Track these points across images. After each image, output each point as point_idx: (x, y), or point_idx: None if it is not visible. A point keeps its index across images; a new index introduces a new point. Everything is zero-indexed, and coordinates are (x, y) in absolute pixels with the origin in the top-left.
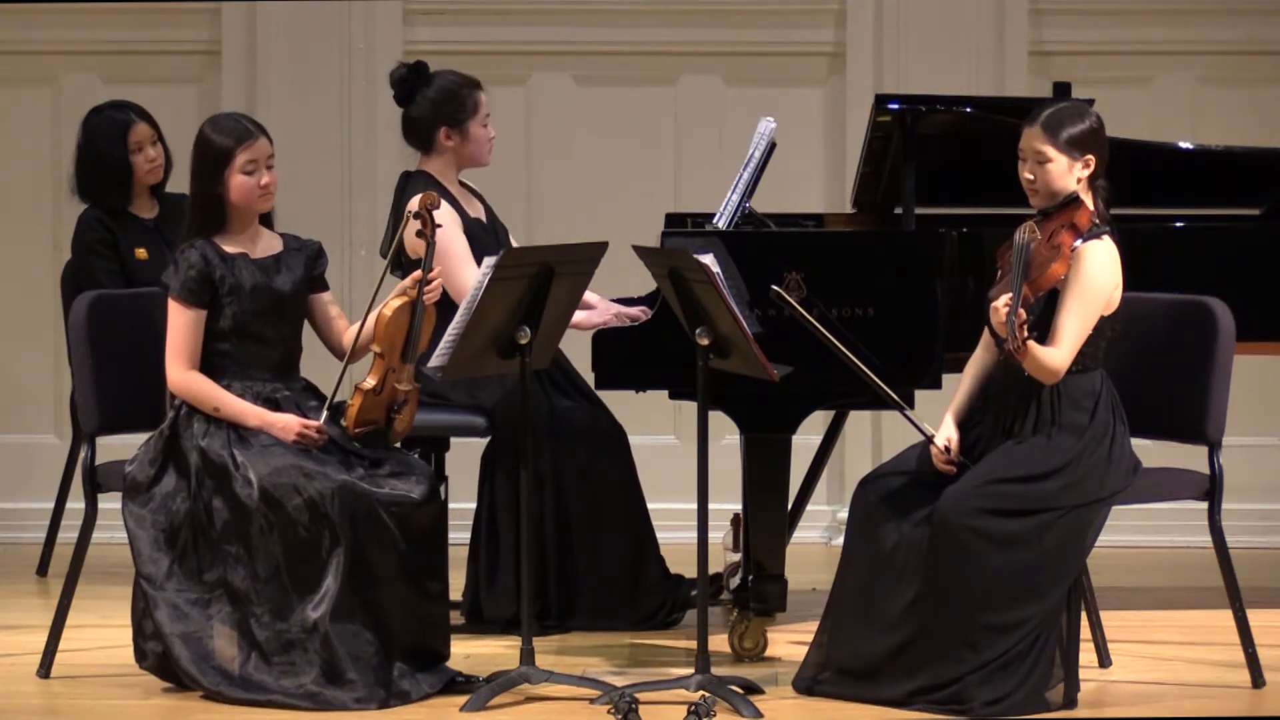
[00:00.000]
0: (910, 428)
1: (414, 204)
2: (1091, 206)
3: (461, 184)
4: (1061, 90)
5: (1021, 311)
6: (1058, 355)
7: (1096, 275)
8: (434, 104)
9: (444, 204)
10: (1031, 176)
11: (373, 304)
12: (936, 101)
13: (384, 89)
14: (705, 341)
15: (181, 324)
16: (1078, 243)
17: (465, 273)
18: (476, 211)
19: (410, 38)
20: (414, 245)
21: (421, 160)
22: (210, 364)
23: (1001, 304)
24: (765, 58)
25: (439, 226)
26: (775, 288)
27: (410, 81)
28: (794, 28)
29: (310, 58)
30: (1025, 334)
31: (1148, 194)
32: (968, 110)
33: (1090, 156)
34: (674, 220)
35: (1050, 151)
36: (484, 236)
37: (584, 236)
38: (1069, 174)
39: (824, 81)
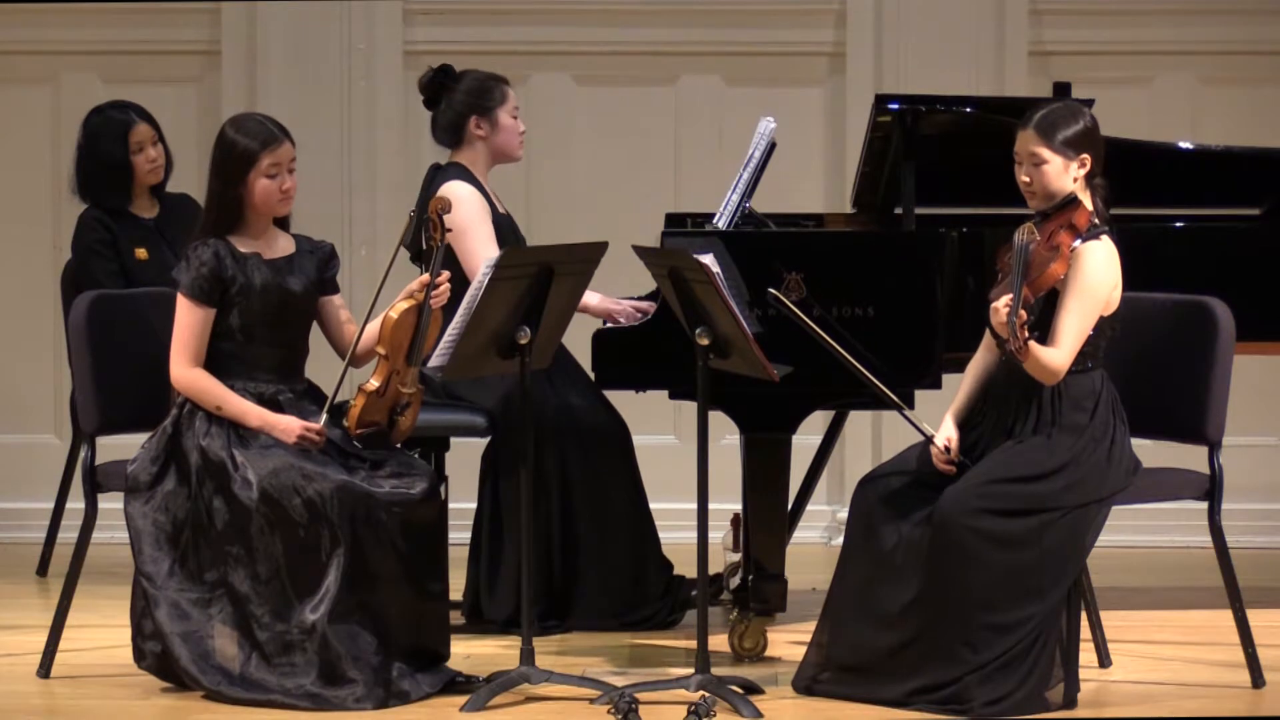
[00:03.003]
0: (910, 427)
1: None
2: (1090, 206)
3: None
4: (1061, 90)
5: (1022, 312)
6: (1058, 355)
7: (1096, 275)
8: (464, 95)
9: (471, 190)
10: (1028, 179)
11: (375, 303)
12: (936, 101)
13: (384, 89)
14: (705, 341)
15: (189, 321)
16: (1076, 243)
17: (487, 255)
18: (502, 209)
19: (410, 38)
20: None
21: (453, 154)
22: (214, 362)
23: (1002, 305)
24: (765, 58)
25: (449, 231)
26: (772, 290)
27: (438, 82)
28: (794, 28)
29: (310, 58)
30: (1026, 334)
31: (1148, 194)
32: (968, 110)
33: (1086, 156)
34: (674, 220)
35: (1045, 153)
36: (509, 235)
37: (584, 236)
38: (1065, 174)
39: (824, 81)
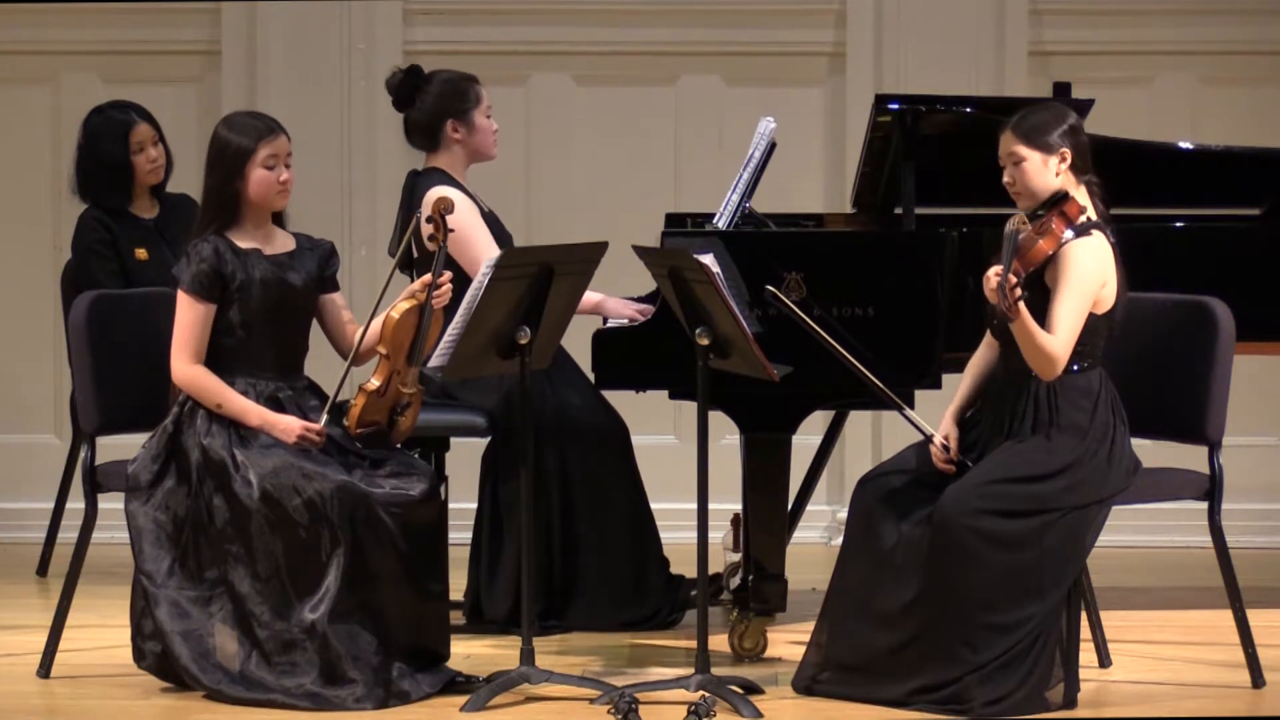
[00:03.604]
0: (910, 428)
1: (430, 199)
2: (1086, 203)
3: None
4: (1061, 90)
5: (1012, 277)
6: (1053, 341)
7: (1085, 267)
8: (437, 99)
9: (462, 195)
10: (1010, 179)
11: (379, 305)
12: (936, 101)
13: (384, 89)
14: (705, 341)
15: (190, 318)
16: (1068, 233)
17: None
18: (485, 207)
19: (410, 38)
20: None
21: (429, 158)
22: (215, 358)
23: (993, 273)
24: (765, 58)
25: (451, 231)
26: (770, 288)
27: (408, 84)
28: (794, 28)
29: (310, 58)
30: (1016, 295)
31: (1148, 194)
32: (968, 110)
33: (1065, 150)
34: (674, 220)
35: (1022, 150)
36: (495, 230)
37: (584, 236)
38: (1045, 170)
39: (824, 81)
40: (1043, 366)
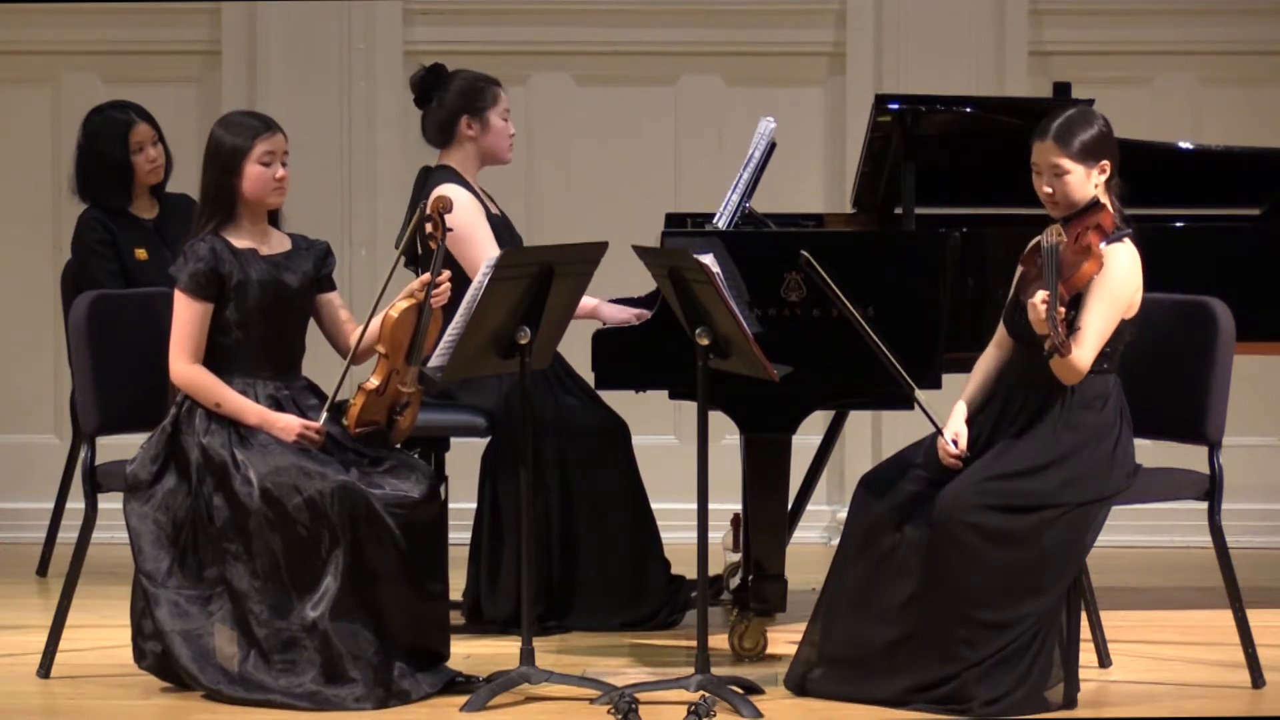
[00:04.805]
0: (911, 427)
1: (431, 198)
2: (1112, 209)
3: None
4: (1061, 90)
5: (1061, 309)
6: (1081, 355)
7: (1121, 277)
8: (456, 95)
9: (466, 193)
10: (1050, 190)
11: (379, 303)
12: (936, 101)
13: (384, 89)
14: (705, 341)
15: (187, 317)
16: (1103, 245)
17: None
18: (495, 210)
19: (410, 38)
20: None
21: (442, 154)
22: (212, 358)
23: (1039, 300)
24: (765, 58)
25: (450, 230)
26: (804, 253)
27: (429, 82)
28: (794, 28)
29: (310, 58)
30: (1066, 330)
31: (1148, 194)
32: (968, 110)
33: (1105, 162)
34: (674, 220)
35: (1067, 163)
36: (504, 234)
37: (584, 236)
38: (1087, 182)
39: (824, 81)
40: (1067, 376)
